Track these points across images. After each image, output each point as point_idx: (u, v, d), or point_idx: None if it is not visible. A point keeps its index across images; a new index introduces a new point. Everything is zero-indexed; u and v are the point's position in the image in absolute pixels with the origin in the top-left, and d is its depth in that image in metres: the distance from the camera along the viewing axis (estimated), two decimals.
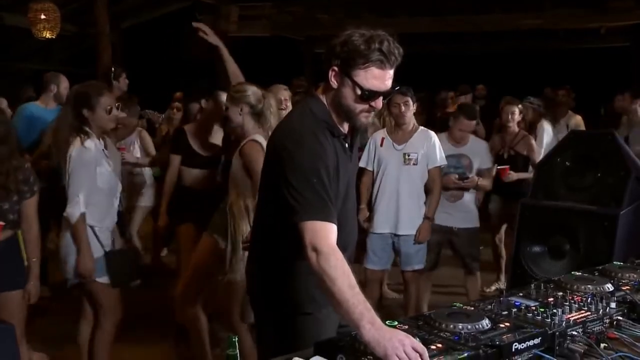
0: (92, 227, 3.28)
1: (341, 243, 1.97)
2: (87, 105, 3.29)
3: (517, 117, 5.26)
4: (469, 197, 4.59)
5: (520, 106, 5.40)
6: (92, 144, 3.28)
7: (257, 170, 2.84)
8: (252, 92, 3.45)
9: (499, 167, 4.94)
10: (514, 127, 5.25)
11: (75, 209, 3.19)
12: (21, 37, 9.01)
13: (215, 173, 3.87)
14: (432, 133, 4.37)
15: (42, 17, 7.30)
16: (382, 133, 4.42)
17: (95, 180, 3.27)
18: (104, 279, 3.32)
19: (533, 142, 5.27)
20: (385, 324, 1.74)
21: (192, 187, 4.16)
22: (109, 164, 3.39)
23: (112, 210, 3.43)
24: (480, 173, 4.58)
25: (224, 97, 3.81)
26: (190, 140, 4.16)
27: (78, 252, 3.22)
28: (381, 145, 4.34)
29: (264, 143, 3.26)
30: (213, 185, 3.89)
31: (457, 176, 4.45)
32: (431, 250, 4.48)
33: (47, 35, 7.47)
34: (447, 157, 4.40)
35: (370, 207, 4.40)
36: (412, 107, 4.27)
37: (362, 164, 4.31)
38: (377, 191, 4.32)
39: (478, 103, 7.86)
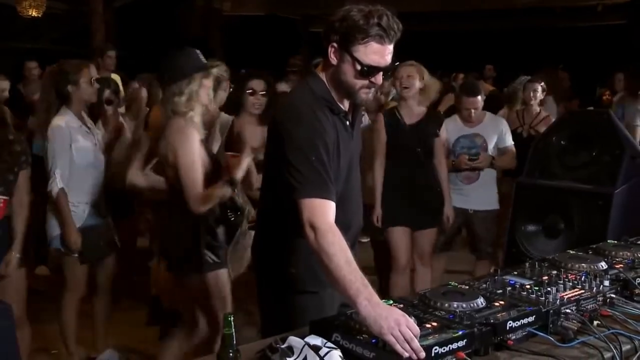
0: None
1: (344, 222, 1.98)
2: (71, 81, 3.42)
3: (540, 95, 5.09)
4: (487, 178, 4.36)
5: (543, 84, 5.19)
6: (63, 121, 3.40)
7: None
8: None
9: None
10: (535, 105, 5.07)
11: (54, 185, 3.34)
12: (11, 16, 8.90)
13: None
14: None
15: None
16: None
17: (72, 157, 3.38)
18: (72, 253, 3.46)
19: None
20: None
21: None
22: (90, 139, 3.49)
23: (93, 186, 3.52)
24: (499, 152, 4.39)
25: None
26: None
27: (62, 225, 3.38)
28: None
29: None
30: None
31: (467, 157, 4.28)
32: (443, 231, 4.37)
33: (33, 13, 7.38)
34: (460, 138, 4.34)
35: None
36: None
37: None
38: None
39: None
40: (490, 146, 4.35)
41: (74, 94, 3.44)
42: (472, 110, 4.31)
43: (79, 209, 3.44)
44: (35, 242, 3.74)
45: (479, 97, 4.34)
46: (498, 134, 4.39)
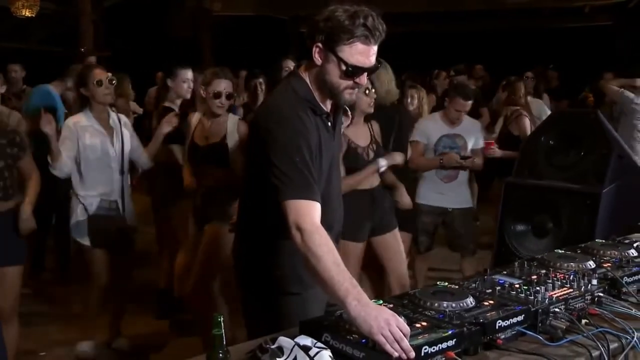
0: (77, 194, 3.61)
1: (327, 221, 1.97)
2: (83, 84, 3.63)
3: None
4: (462, 177, 4.45)
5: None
6: (72, 121, 3.65)
7: None
8: None
9: (485, 141, 4.80)
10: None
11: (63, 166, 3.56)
12: (0, 16, 8.84)
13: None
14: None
15: None
16: None
17: (79, 152, 3.59)
18: (85, 240, 3.60)
19: (526, 122, 5.12)
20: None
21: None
22: (100, 137, 3.64)
23: (104, 179, 3.66)
24: (473, 153, 4.45)
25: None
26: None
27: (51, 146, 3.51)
28: None
29: None
30: None
31: (459, 155, 4.33)
32: (424, 232, 4.45)
33: (27, 13, 7.38)
34: (443, 137, 4.37)
35: None
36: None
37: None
38: None
39: (476, 84, 7.80)
40: (469, 147, 4.43)
41: (89, 96, 3.63)
42: (462, 113, 4.37)
43: (87, 202, 3.60)
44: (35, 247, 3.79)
45: (470, 102, 4.41)
46: (475, 135, 4.49)
